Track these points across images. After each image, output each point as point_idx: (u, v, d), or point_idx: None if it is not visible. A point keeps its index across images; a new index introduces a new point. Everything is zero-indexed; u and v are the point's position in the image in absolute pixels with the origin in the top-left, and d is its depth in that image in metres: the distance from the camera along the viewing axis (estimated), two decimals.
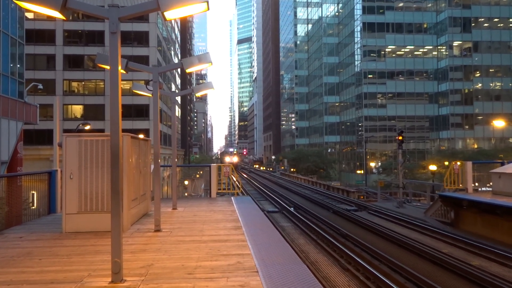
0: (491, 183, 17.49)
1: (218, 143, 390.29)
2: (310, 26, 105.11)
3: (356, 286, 10.03)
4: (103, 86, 52.81)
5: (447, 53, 71.75)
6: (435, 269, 11.39)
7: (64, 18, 4.73)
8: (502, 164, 18.33)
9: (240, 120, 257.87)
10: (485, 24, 72.03)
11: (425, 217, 19.61)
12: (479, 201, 15.56)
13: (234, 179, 15.30)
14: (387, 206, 24.45)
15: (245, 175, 74.10)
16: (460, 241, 14.33)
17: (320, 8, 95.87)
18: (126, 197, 7.88)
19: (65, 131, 39.05)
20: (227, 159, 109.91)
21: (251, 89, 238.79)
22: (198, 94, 11.20)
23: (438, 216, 18.86)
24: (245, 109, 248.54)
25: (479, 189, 18.69)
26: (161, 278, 4.85)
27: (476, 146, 69.00)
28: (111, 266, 4.70)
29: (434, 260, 11.97)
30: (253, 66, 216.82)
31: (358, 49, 76.11)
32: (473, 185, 17.96)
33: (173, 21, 77.79)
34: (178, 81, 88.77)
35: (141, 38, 53.85)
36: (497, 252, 12.48)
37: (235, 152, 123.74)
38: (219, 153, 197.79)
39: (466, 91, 72.10)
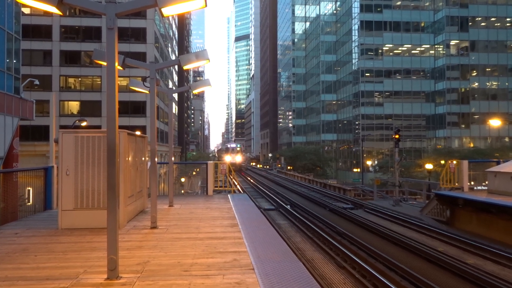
0: (486, 182, 17.57)
1: (215, 141, 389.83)
2: (307, 24, 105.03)
3: (352, 284, 10.05)
4: (100, 82, 52.60)
5: (444, 52, 71.91)
6: (431, 267, 11.44)
7: (61, 13, 4.70)
8: (498, 163, 18.40)
9: (237, 118, 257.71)
10: (482, 23, 72.20)
11: (421, 216, 19.67)
12: (474, 200, 15.62)
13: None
14: (383, 204, 24.51)
15: (242, 173, 73.78)
16: (455, 240, 14.39)
17: (318, 6, 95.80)
18: (122, 194, 7.86)
19: (62, 127, 38.87)
20: (227, 158, 72.23)
21: (248, 86, 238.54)
22: (195, 91, 11.18)
23: (434, 215, 18.93)
24: (242, 106, 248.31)
25: (475, 188, 18.76)
26: (157, 275, 4.84)
27: (472, 145, 69.24)
28: (107, 263, 4.70)
29: (430, 258, 12.01)
30: (251, 64, 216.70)
31: (356, 48, 76.18)
32: (469, 184, 18.03)
33: (170, 18, 77.54)
34: (175, 78, 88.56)
35: (138, 35, 53.66)
36: (492, 250, 12.54)
37: (238, 148, 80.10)
38: (216, 150, 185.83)
39: (463, 90, 72.32)
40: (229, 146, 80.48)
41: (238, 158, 75.89)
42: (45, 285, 4.49)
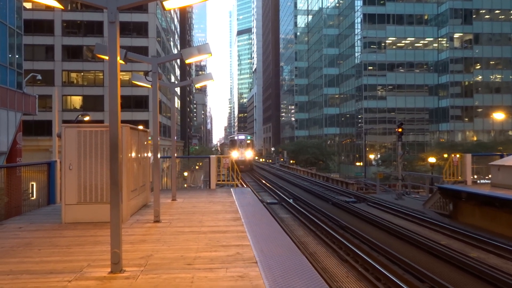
0: (490, 176, 17.52)
1: (217, 135, 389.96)
2: (310, 17, 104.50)
3: (354, 277, 10.08)
4: (102, 77, 52.62)
5: (447, 45, 71.46)
6: (434, 260, 11.44)
7: (62, 7, 4.69)
8: (502, 156, 18.34)
9: (239, 112, 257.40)
10: (486, 16, 71.66)
11: (424, 209, 19.66)
12: (477, 193, 15.59)
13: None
14: (386, 198, 24.49)
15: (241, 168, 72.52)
16: (458, 233, 14.38)
17: None
18: (125, 188, 7.88)
19: (64, 122, 38.97)
20: (234, 154, 52.10)
21: (250, 80, 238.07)
22: (198, 85, 11.16)
23: (436, 208, 18.91)
24: (245, 100, 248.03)
25: (478, 181, 18.72)
26: (160, 269, 4.86)
27: (475, 139, 69.04)
28: (110, 257, 4.71)
29: (433, 251, 12.02)
30: (253, 58, 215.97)
31: (359, 41, 75.79)
32: (472, 177, 17.99)
33: (172, 12, 77.28)
34: (178, 72, 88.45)
35: (140, 29, 53.54)
36: (495, 244, 12.53)
37: (248, 140, 57.38)
38: (218, 144, 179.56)
39: (466, 83, 71.95)
40: (236, 138, 57.89)
41: (249, 154, 54.80)
42: (49, 279, 4.52)
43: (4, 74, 24.43)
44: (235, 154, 51.32)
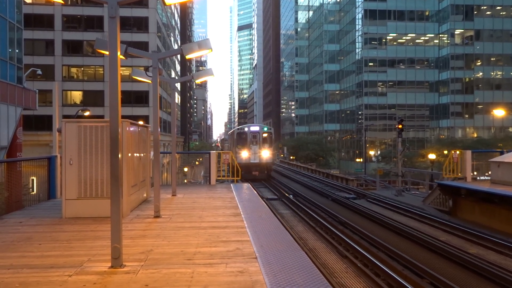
0: (490, 172, 17.53)
1: (217, 130, 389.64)
2: (311, 12, 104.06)
3: (354, 272, 10.10)
4: (102, 72, 52.50)
5: (448, 41, 71.26)
6: (433, 256, 11.47)
7: (62, 2, 4.68)
8: (502, 153, 18.36)
9: (240, 108, 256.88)
10: (488, 12, 71.41)
11: (424, 206, 19.68)
12: (477, 190, 15.60)
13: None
14: (385, 194, 24.52)
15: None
16: (457, 229, 14.40)
17: None
18: (125, 183, 7.89)
19: (65, 117, 38.93)
20: (245, 154, 34.48)
21: (251, 76, 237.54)
22: (198, 81, 11.17)
23: (436, 205, 18.94)
24: (245, 96, 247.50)
25: (478, 178, 18.73)
26: (160, 264, 4.88)
27: (475, 135, 68.99)
28: (110, 252, 4.73)
29: (432, 248, 12.04)
30: (253, 53, 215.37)
31: (359, 37, 75.55)
32: (472, 174, 17.99)
33: (172, 7, 77.00)
34: (178, 67, 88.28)
35: (141, 24, 53.37)
36: (494, 240, 12.55)
37: (265, 134, 34.79)
38: (218, 140, 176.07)
39: (467, 79, 71.82)
40: (246, 130, 37.25)
41: (265, 154, 35.99)
42: (49, 273, 4.54)
43: (4, 68, 24.39)
44: (245, 154, 35.61)
